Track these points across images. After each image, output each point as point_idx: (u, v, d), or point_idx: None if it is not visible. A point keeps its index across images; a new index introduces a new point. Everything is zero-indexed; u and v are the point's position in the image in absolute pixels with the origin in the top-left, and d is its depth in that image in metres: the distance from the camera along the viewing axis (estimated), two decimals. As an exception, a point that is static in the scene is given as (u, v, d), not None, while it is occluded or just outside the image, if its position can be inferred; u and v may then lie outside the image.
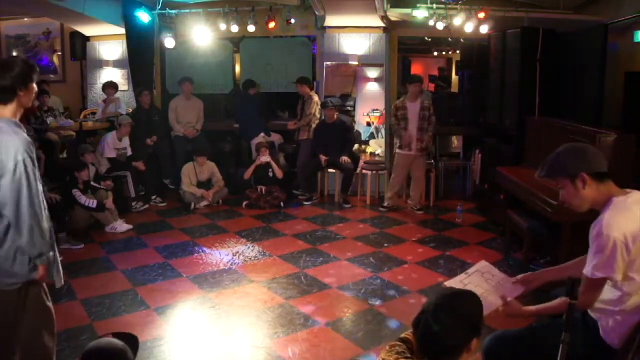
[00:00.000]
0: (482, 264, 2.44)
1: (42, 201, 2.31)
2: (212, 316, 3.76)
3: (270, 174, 6.75)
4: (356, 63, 7.82)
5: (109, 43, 7.99)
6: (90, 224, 5.57)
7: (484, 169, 6.61)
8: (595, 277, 1.97)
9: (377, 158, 7.75)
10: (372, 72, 8.30)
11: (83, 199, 5.39)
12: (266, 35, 7.68)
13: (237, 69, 8.75)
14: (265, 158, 6.70)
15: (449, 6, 6.54)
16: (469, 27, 6.56)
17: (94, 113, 7.63)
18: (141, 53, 7.46)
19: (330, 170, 7.00)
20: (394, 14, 6.87)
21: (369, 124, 8.57)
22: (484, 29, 6.59)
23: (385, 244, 5.32)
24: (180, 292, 4.16)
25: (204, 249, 5.17)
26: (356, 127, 8.03)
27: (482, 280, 2.33)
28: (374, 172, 6.96)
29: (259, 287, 4.26)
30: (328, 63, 7.75)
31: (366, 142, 8.54)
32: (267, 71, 7.88)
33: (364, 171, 7.00)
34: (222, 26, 6.94)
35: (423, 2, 6.54)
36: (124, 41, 7.54)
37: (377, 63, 7.76)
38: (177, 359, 3.19)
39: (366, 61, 7.69)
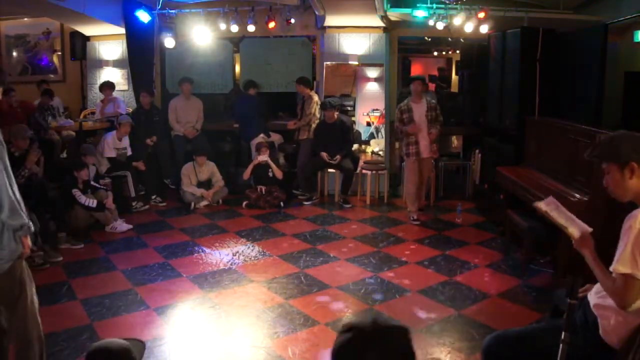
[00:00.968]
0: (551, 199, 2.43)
1: (10, 176, 2.39)
2: (212, 316, 3.76)
3: (270, 174, 6.75)
4: (356, 63, 7.82)
5: (109, 43, 7.99)
6: (90, 224, 5.57)
7: (484, 169, 6.61)
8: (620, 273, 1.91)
9: (377, 158, 7.75)
10: (372, 72, 8.30)
11: (83, 199, 5.40)
12: (266, 35, 7.67)
13: (237, 69, 8.74)
14: (263, 157, 6.70)
15: (449, 6, 6.54)
16: (469, 27, 6.57)
17: (94, 113, 7.64)
18: (141, 53, 7.47)
19: (330, 170, 7.00)
20: (394, 14, 6.88)
21: (369, 124, 8.58)
22: (484, 29, 6.59)
23: (385, 244, 5.32)
24: (180, 292, 4.16)
25: (204, 249, 5.17)
26: (356, 127, 8.03)
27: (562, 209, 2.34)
28: (374, 172, 6.95)
29: (259, 287, 4.26)
30: (328, 63, 7.75)
31: (366, 142, 8.54)
32: (267, 71, 7.88)
33: (364, 171, 7.00)
34: (222, 26, 6.94)
35: (423, 2, 6.55)
36: (124, 41, 7.54)
37: (377, 63, 7.76)
38: (177, 359, 3.19)
39: (366, 61, 7.69)
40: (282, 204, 6.70)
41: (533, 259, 4.63)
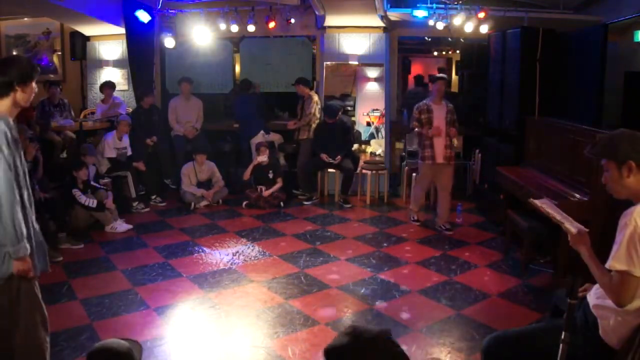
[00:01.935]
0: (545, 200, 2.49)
1: (14, 193, 2.24)
2: (212, 316, 3.76)
3: (270, 175, 6.75)
4: (356, 63, 7.82)
5: (109, 43, 7.99)
6: (90, 224, 5.57)
7: (484, 168, 6.60)
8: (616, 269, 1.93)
9: (377, 158, 7.75)
10: (372, 72, 8.31)
11: (83, 199, 5.39)
12: (266, 35, 7.68)
13: (237, 69, 8.75)
14: (262, 158, 6.69)
15: (449, 6, 6.54)
16: (469, 27, 6.57)
17: (94, 113, 7.64)
18: (141, 53, 7.46)
19: (330, 170, 7.01)
20: (394, 14, 6.88)
21: (369, 124, 8.59)
22: (484, 29, 6.60)
23: (385, 244, 5.32)
24: (180, 292, 4.16)
25: (204, 249, 5.17)
26: (356, 127, 8.03)
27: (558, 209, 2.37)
28: (374, 172, 6.95)
29: (259, 287, 4.26)
30: (328, 63, 7.75)
31: (366, 142, 8.55)
32: (267, 71, 7.88)
33: (364, 171, 7.00)
34: (222, 26, 6.95)
35: (423, 2, 6.55)
36: (124, 41, 7.53)
37: (377, 63, 7.77)
38: (177, 359, 3.19)
39: (366, 61, 7.70)
40: (282, 204, 6.70)
41: (533, 259, 4.63)
